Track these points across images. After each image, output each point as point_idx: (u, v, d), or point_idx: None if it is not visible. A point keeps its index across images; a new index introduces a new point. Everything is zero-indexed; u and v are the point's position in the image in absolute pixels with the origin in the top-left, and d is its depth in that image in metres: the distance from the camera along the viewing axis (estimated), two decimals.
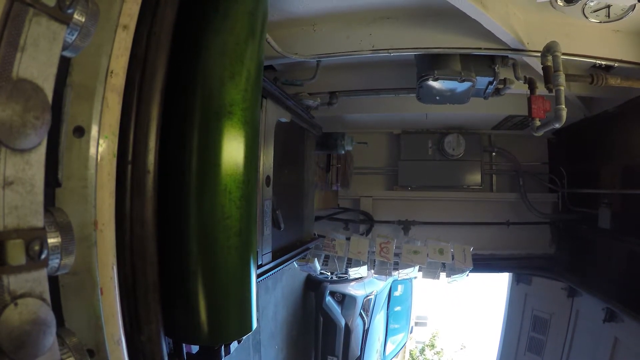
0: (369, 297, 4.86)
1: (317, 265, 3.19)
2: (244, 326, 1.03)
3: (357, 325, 4.75)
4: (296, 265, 3.21)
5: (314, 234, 2.66)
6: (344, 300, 4.66)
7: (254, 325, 1.04)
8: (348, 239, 3.05)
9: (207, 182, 0.89)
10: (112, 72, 0.63)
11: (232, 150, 0.93)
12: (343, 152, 2.93)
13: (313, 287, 4.77)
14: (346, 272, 3.06)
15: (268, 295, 3.94)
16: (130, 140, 0.72)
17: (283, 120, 2.01)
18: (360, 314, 4.76)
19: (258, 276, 1.73)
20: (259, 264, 1.75)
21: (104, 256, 0.61)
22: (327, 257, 3.20)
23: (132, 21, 0.66)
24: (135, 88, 0.73)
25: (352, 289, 4.71)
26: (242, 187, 0.95)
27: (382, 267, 2.95)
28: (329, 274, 3.76)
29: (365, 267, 2.99)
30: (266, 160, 1.85)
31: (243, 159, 0.96)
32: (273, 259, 1.87)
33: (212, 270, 0.93)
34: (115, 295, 0.64)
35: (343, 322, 4.62)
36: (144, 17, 0.74)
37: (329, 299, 4.61)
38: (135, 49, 0.72)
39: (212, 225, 0.91)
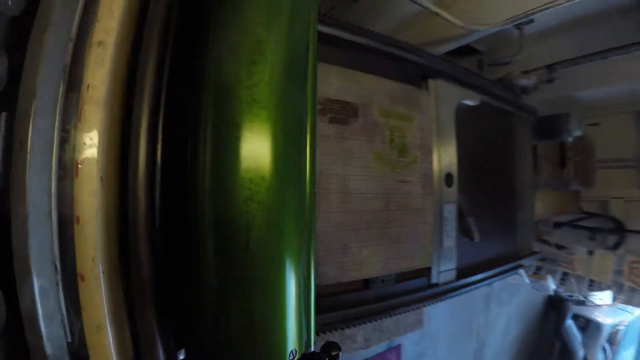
0: (618, 328, 3.71)
1: (551, 284, 2.47)
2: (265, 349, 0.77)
3: None
4: (527, 281, 2.60)
5: (532, 247, 2.02)
6: (587, 326, 3.71)
7: (288, 347, 0.77)
8: (591, 252, 2.20)
9: (219, 184, 0.71)
10: (89, 86, 0.65)
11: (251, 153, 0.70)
12: (570, 138, 2.13)
13: (555, 305, 3.90)
14: (587, 296, 2.24)
15: (500, 309, 3.41)
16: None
17: (468, 103, 1.59)
18: (604, 347, 3.69)
19: (431, 298, 1.41)
20: (433, 282, 1.42)
21: (83, 249, 0.64)
22: (565, 274, 2.43)
23: (108, 36, 0.67)
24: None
25: (599, 315, 3.70)
26: (266, 190, 0.71)
27: (632, 295, 1.99)
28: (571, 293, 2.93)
29: (608, 292, 2.08)
30: (444, 154, 1.49)
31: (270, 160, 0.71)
32: (457, 278, 1.49)
33: (217, 278, 0.73)
34: (100, 286, 0.65)
35: (582, 354, 3.69)
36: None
37: (570, 322, 3.73)
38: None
39: (223, 234, 0.71)
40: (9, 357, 0.61)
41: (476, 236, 1.57)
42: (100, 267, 0.65)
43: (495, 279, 1.67)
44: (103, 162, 0.68)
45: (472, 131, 1.65)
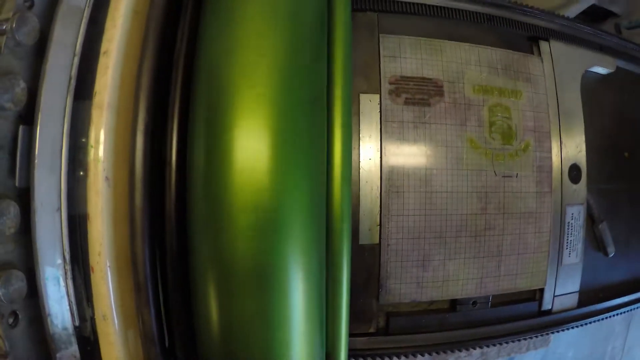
0: None
1: None
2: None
3: None
4: None
5: None
6: None
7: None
8: None
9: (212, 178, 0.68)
10: (95, 93, 0.69)
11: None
12: None
13: None
14: None
15: None
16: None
17: (599, 70, 1.18)
18: None
19: (539, 329, 1.09)
20: (545, 309, 1.09)
21: (91, 244, 0.69)
22: None
23: (111, 44, 0.71)
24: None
25: None
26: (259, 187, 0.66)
27: None
28: None
29: None
30: (567, 139, 1.12)
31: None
32: (580, 305, 1.12)
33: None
34: (106, 279, 0.69)
35: None
36: None
37: None
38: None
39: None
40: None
41: (611, 249, 1.18)
42: (107, 262, 0.69)
43: (634, 306, 1.25)
44: (108, 162, 0.69)
45: (605, 107, 1.24)
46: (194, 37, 0.78)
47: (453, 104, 1.02)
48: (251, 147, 0.64)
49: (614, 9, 1.78)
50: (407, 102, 1.00)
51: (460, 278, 1.02)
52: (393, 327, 1.02)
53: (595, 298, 1.18)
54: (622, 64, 1.28)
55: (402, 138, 0.99)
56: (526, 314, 1.08)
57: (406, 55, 1.03)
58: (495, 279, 1.04)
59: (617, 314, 1.21)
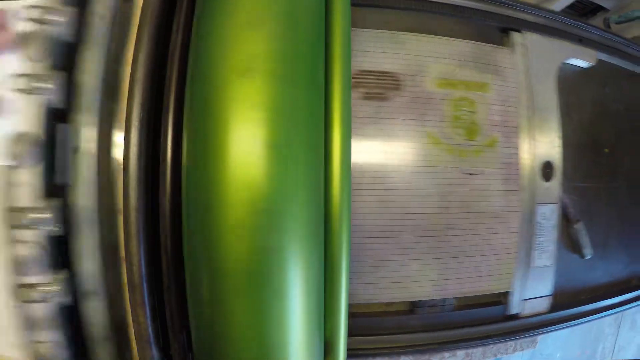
0: None
1: None
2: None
3: None
4: None
5: None
6: None
7: None
8: None
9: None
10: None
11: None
12: None
13: None
14: None
15: (633, 333, 2.68)
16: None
17: (577, 63, 1.12)
18: None
19: (505, 334, 1.04)
20: (511, 313, 1.04)
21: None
22: None
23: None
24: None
25: None
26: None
27: None
28: None
29: None
30: (540, 135, 1.07)
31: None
32: (552, 309, 1.07)
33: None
34: None
35: None
36: None
37: None
38: None
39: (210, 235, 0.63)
40: None
41: (587, 251, 1.12)
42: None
43: (612, 311, 1.18)
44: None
45: (586, 102, 1.17)
46: (190, 28, 0.74)
47: (412, 98, 0.97)
48: (247, 140, 0.60)
49: (604, 3, 1.72)
50: (366, 97, 0.97)
51: (420, 279, 0.98)
52: (349, 328, 0.99)
53: (570, 302, 1.12)
54: (604, 57, 1.21)
55: (358, 134, 0.96)
56: (491, 319, 1.04)
57: (368, 49, 0.99)
58: (457, 281, 1.00)
59: (595, 319, 1.15)
